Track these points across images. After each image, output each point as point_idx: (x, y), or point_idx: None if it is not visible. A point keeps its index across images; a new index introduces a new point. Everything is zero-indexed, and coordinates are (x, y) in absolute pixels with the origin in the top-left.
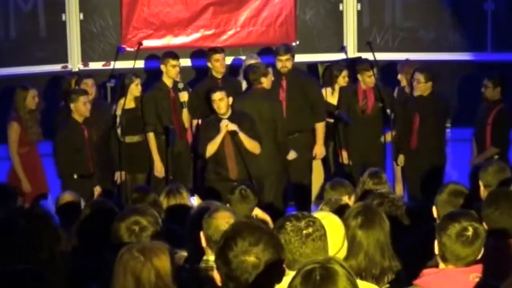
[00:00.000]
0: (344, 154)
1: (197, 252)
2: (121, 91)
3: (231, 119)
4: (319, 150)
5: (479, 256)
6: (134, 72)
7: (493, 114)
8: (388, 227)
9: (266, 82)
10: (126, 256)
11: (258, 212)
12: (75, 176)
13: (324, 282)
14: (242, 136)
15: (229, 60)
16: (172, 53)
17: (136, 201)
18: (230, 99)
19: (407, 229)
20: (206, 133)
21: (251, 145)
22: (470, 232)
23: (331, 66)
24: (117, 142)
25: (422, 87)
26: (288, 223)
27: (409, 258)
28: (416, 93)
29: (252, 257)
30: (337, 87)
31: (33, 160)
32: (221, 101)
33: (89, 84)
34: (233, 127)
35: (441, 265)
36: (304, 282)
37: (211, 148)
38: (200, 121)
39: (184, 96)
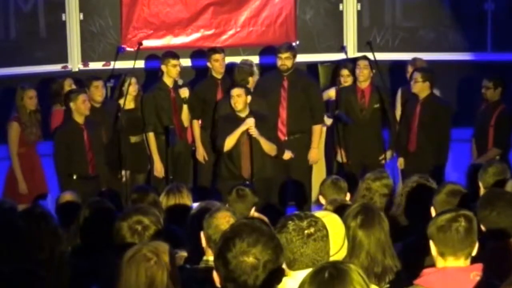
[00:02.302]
0: (343, 153)
1: (197, 252)
2: (119, 92)
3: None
4: (314, 153)
5: (475, 249)
6: (134, 72)
7: (495, 116)
8: (388, 226)
9: (252, 82)
10: (138, 257)
11: (255, 214)
12: (75, 177)
13: (332, 280)
14: (262, 140)
15: (229, 60)
16: (172, 53)
17: (135, 201)
18: (249, 98)
19: (405, 228)
20: (226, 127)
21: (269, 148)
22: (461, 218)
23: (337, 65)
24: (117, 142)
25: (419, 86)
26: (290, 222)
27: (409, 258)
28: (413, 91)
29: (250, 257)
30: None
31: (31, 160)
32: (238, 97)
33: (99, 87)
34: (255, 132)
35: (440, 263)
36: (313, 279)
37: (230, 142)
38: (200, 122)
39: (184, 92)
